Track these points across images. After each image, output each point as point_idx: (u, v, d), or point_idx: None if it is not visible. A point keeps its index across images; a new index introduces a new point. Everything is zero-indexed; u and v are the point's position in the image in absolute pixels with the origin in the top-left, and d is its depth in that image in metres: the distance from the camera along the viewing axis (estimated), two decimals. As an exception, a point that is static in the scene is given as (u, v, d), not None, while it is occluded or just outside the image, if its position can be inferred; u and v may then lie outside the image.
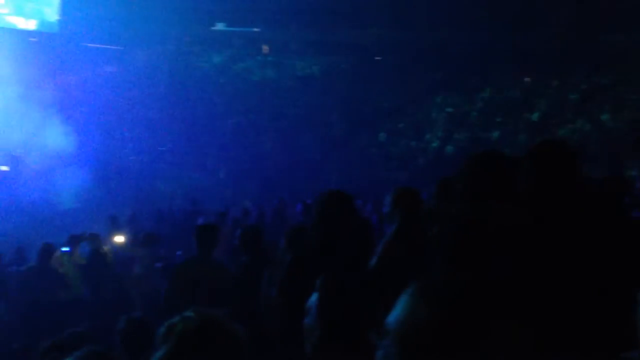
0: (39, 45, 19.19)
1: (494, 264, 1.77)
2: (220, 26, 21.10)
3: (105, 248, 7.94)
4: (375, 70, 18.88)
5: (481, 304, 1.07)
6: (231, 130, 18.00)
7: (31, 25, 19.92)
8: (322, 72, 19.90)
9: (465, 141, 15.70)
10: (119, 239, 8.46)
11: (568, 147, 2.44)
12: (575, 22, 16.51)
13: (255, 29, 20.83)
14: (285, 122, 18.19)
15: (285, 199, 10.68)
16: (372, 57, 19.52)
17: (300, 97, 18.91)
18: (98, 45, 19.94)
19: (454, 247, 1.90)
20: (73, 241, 8.04)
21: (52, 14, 20.14)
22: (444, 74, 17.88)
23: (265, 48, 20.84)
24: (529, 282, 1.80)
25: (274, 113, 18.59)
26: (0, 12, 19.38)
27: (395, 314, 1.10)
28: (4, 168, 15.73)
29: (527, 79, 17.65)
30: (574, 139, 13.44)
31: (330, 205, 3.36)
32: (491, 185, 2.31)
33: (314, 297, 2.23)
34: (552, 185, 2.27)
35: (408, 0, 17.58)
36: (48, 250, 7.12)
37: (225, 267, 5.01)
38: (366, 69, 18.97)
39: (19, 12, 19.65)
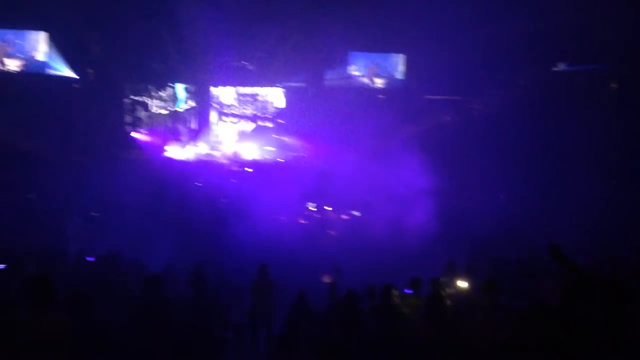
0: (386, 102, 21.48)
1: None
2: (561, 66, 20.17)
3: (447, 292, 8.06)
4: None
5: None
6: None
7: (380, 84, 22.55)
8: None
9: None
10: (462, 284, 8.50)
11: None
12: None
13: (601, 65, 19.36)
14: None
15: None
16: None
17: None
18: (438, 97, 21.28)
19: None
20: (414, 283, 8.40)
21: (399, 74, 22.42)
22: None
23: (612, 86, 19.20)
24: None
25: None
26: (355, 74, 22.44)
27: None
28: (356, 213, 17.80)
29: None
30: None
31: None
32: None
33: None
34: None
35: None
36: (388, 291, 7.55)
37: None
38: None
39: (371, 74, 22.49)
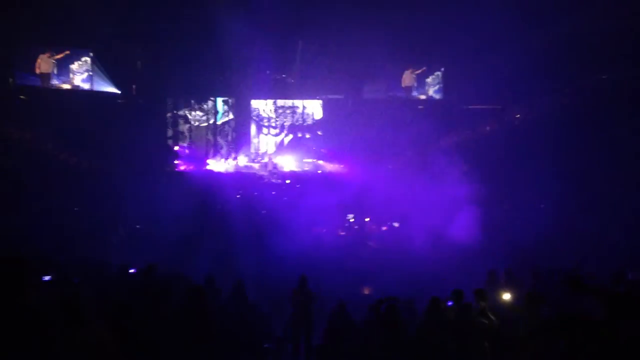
0: (426, 112, 21.38)
1: None
2: (603, 75, 19.59)
3: (483, 304, 7.86)
4: None
5: None
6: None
7: (419, 96, 22.53)
8: None
9: None
10: (505, 296, 8.31)
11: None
12: None
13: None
14: None
15: None
16: None
17: None
18: (478, 107, 21.06)
19: None
20: (456, 295, 8.27)
21: (438, 86, 22.34)
22: None
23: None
24: None
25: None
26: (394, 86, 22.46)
27: None
28: (396, 225, 17.68)
29: None
30: None
31: None
32: None
33: None
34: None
35: None
36: (436, 304, 7.45)
37: None
38: None
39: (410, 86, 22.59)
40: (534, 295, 7.35)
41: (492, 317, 7.38)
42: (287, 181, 21.48)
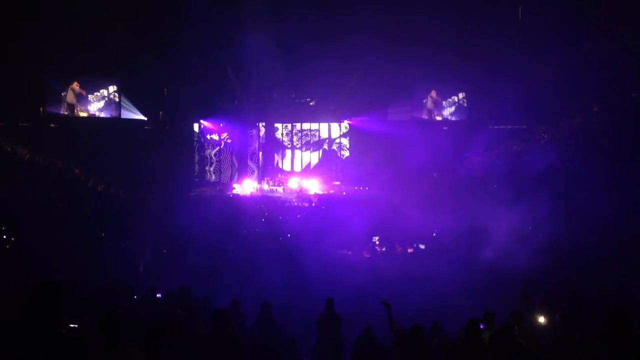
0: (450, 133, 21.33)
1: None
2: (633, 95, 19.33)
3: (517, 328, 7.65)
4: None
5: None
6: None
7: (442, 117, 22.54)
8: None
9: None
10: (541, 319, 8.10)
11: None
12: None
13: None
14: None
15: None
16: None
17: None
18: (503, 127, 20.92)
19: None
20: (488, 318, 8.07)
21: (462, 108, 22.30)
22: None
23: None
24: None
25: None
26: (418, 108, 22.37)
27: None
28: (422, 246, 17.46)
29: None
30: None
31: None
32: None
33: None
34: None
35: None
36: (474, 327, 7.20)
37: None
38: None
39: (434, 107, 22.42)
40: (568, 318, 7.13)
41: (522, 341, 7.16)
42: (313, 204, 21.45)
